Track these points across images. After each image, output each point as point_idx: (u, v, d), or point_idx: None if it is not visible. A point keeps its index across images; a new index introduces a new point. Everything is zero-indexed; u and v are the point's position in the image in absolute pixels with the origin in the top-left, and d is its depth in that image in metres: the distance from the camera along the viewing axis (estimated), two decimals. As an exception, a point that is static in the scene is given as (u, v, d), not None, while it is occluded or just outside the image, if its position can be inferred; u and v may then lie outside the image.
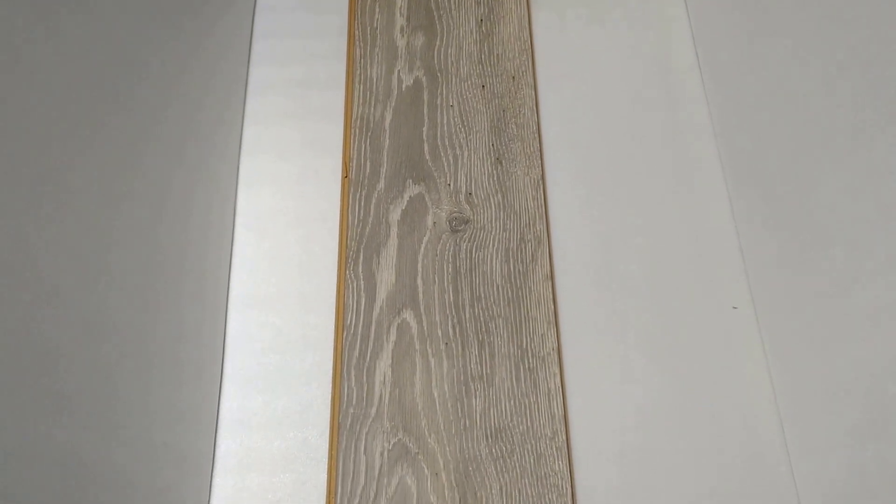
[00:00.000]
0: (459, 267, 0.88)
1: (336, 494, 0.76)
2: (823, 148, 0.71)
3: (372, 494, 0.76)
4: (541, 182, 0.93)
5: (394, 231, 0.90)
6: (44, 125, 0.54)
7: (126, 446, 0.65)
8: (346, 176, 0.93)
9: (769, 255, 0.83)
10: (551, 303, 0.86)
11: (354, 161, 0.93)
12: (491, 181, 0.92)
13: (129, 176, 0.67)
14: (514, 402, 0.80)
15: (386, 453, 0.78)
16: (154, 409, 0.70)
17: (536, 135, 0.95)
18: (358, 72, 0.99)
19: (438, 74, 0.99)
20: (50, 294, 0.54)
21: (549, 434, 0.79)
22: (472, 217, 0.91)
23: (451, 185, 0.92)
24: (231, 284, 0.89)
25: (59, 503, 0.54)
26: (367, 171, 0.93)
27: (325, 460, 0.80)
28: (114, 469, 0.62)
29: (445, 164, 0.93)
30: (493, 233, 0.90)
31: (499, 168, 0.93)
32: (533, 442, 0.79)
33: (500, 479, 0.77)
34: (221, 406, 0.82)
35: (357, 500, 0.76)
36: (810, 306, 0.75)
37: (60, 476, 0.55)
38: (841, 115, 0.68)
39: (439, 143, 0.94)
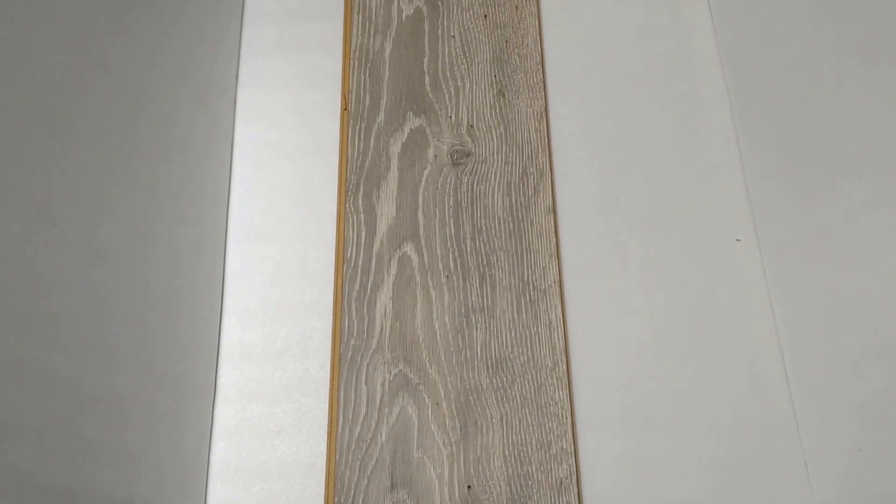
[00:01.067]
0: (461, 200, 0.87)
1: (337, 424, 0.76)
2: (830, 76, 0.69)
3: (373, 424, 0.76)
4: (544, 114, 0.91)
5: (394, 164, 0.89)
6: (45, 55, 0.53)
7: (125, 374, 0.65)
8: (345, 108, 0.92)
9: (774, 187, 0.81)
10: (553, 235, 0.85)
11: (353, 93, 0.92)
12: (493, 113, 0.91)
13: (127, 107, 0.66)
14: (515, 334, 0.80)
15: (387, 384, 0.78)
16: (153, 338, 0.70)
17: (540, 66, 0.93)
18: (356, 1, 0.97)
19: (439, 4, 0.96)
20: (47, 220, 0.53)
21: (549, 364, 0.79)
22: (473, 150, 0.89)
23: (453, 117, 0.91)
24: (230, 218, 0.88)
25: (57, 430, 0.54)
26: (367, 103, 0.91)
27: (327, 391, 0.80)
28: (113, 396, 0.62)
29: (446, 96, 0.92)
30: (494, 166, 0.89)
31: (501, 100, 0.92)
32: (533, 372, 0.79)
33: (500, 409, 0.77)
34: (222, 338, 0.82)
35: (358, 430, 0.76)
36: (814, 237, 0.74)
37: (58, 403, 0.55)
38: (848, 42, 0.66)
39: (440, 75, 0.93)
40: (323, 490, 0.75)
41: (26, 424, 0.52)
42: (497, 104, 0.91)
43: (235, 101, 0.93)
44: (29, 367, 0.52)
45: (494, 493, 0.73)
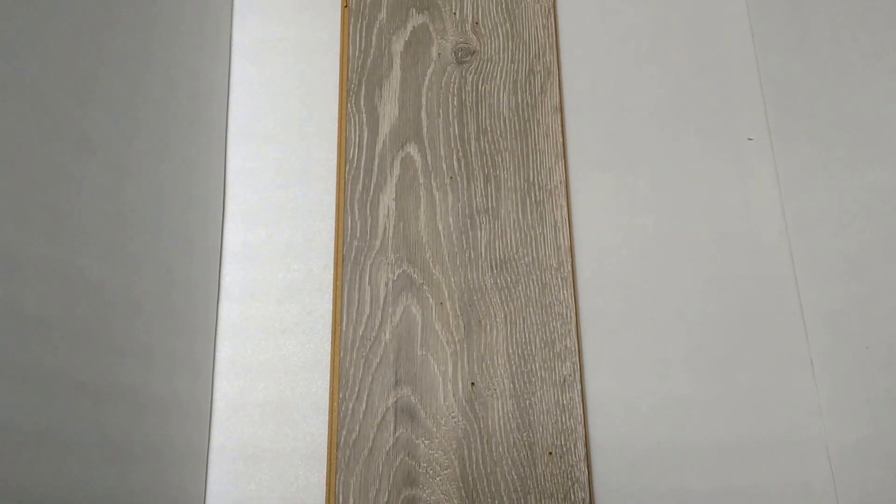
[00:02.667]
0: (465, 100, 0.85)
1: (342, 323, 0.77)
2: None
3: (377, 323, 0.77)
4: (552, 10, 0.88)
5: (396, 63, 0.86)
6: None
7: (135, 270, 0.65)
8: (345, 6, 0.89)
9: (789, 84, 0.79)
10: (560, 135, 0.83)
11: (355, -12, 0.88)
12: (499, 9, 0.88)
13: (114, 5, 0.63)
14: (520, 234, 0.79)
15: (391, 283, 0.78)
16: (163, 239, 0.69)
17: (548, -41, 0.89)
18: None
19: None
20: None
21: (554, 265, 0.78)
22: (478, 48, 0.86)
23: (457, 13, 0.88)
24: (229, 118, 0.86)
25: (71, 323, 0.54)
26: (369, -1, 0.88)
27: (330, 291, 0.80)
28: (124, 291, 0.63)
29: (451, -9, 0.88)
30: (500, 64, 0.86)
31: (507, -5, 0.88)
32: (538, 272, 0.78)
33: (504, 308, 0.77)
34: (225, 238, 0.82)
35: (362, 329, 0.76)
36: (827, 136, 0.72)
37: (71, 295, 0.55)
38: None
39: (444, -31, 0.89)
40: (328, 386, 0.76)
41: (52, 323, 0.52)
42: (503, 0, 0.88)
43: (233, -2, 0.90)
44: (53, 267, 0.51)
45: (498, 390, 0.74)
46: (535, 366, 0.75)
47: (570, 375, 0.74)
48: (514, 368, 0.75)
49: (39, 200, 0.52)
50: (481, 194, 0.81)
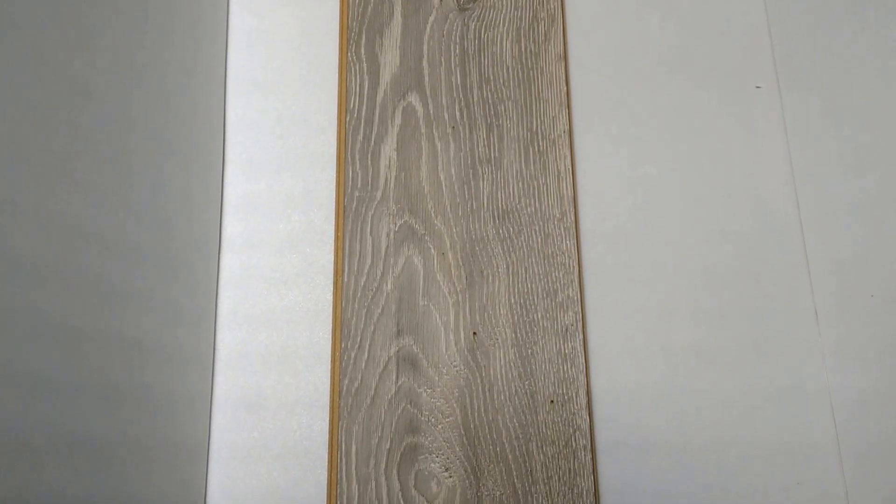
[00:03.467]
0: (467, 48, 0.83)
1: (343, 273, 0.76)
2: None
3: (379, 273, 0.76)
4: (556, -45, 0.86)
5: (397, 10, 0.85)
6: None
7: (138, 221, 0.64)
8: (346, -49, 0.87)
9: (798, 31, 0.77)
10: (564, 84, 0.82)
11: (354, -67, 0.86)
12: (502, -46, 0.86)
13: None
14: (523, 185, 0.79)
15: (392, 234, 0.78)
16: (162, 186, 0.69)
17: None
18: None
19: None
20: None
21: (557, 215, 0.78)
22: (481, -6, 0.85)
23: (459, -41, 0.86)
24: (228, 67, 0.85)
25: (69, 270, 0.54)
26: (369, -56, 0.86)
27: (332, 242, 0.79)
28: (125, 241, 0.62)
29: (453, -64, 0.86)
30: (503, 11, 0.84)
31: (511, -60, 0.86)
32: (541, 223, 0.77)
33: (506, 258, 0.76)
34: (225, 189, 0.81)
35: (364, 279, 0.76)
36: (837, 86, 0.70)
37: (74, 246, 0.54)
38: None
39: (446, -87, 0.87)
40: (330, 336, 0.76)
41: (50, 270, 0.52)
42: (507, -56, 0.86)
43: (230, -56, 0.89)
44: (51, 214, 0.51)
45: (500, 339, 0.74)
46: (538, 315, 0.75)
47: (572, 325, 0.74)
48: (515, 318, 0.75)
49: (38, 147, 0.51)
50: (483, 144, 0.80)
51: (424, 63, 0.83)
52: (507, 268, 0.76)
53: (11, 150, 0.49)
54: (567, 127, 0.80)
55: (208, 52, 0.82)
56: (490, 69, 0.83)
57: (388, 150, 0.80)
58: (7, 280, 0.48)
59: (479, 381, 0.73)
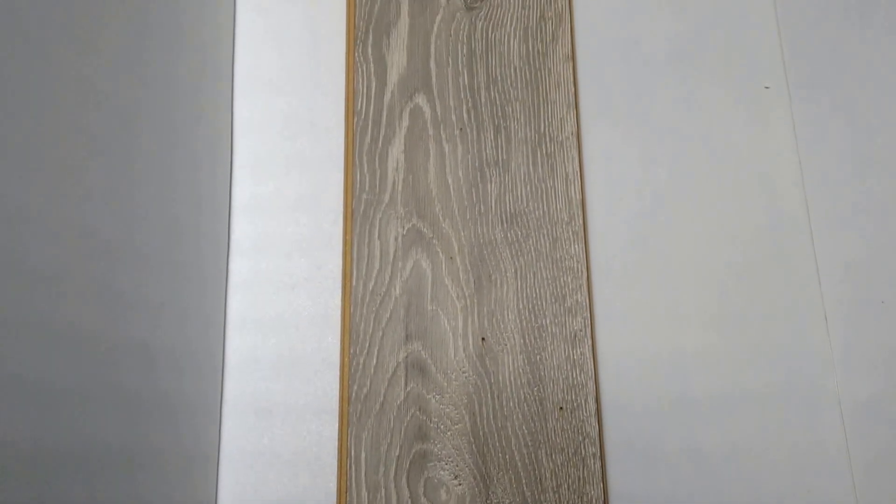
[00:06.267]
0: (475, 48, 0.83)
1: (352, 277, 0.76)
2: None
3: (387, 277, 0.76)
4: (564, -48, 0.85)
5: (404, 9, 0.84)
6: None
7: (145, 223, 0.64)
8: (351, -51, 0.86)
9: (807, 30, 0.76)
10: (571, 85, 0.81)
11: (360, -69, 0.85)
12: (509, -48, 0.85)
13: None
14: (531, 188, 0.78)
15: (400, 238, 0.77)
16: (170, 189, 0.69)
17: None
18: None
19: None
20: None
21: (565, 218, 0.77)
22: (488, -7, 0.84)
23: (466, -43, 0.85)
24: (235, 69, 0.85)
25: (79, 276, 0.54)
26: (375, -58, 0.85)
27: (340, 246, 0.79)
28: (135, 246, 0.62)
29: (460, -66, 0.85)
30: (510, 10, 0.83)
31: (518, -63, 0.85)
32: (549, 226, 0.77)
33: (514, 263, 0.76)
34: (234, 190, 0.81)
35: (373, 283, 0.76)
36: (846, 86, 0.70)
37: (83, 252, 0.54)
38: None
39: None
40: (338, 341, 0.76)
41: (60, 277, 0.52)
42: (514, -58, 0.85)
43: (235, -58, 0.88)
44: (60, 220, 0.51)
45: (508, 345, 0.74)
46: (546, 321, 0.75)
47: (580, 330, 0.74)
48: (524, 323, 0.75)
49: (45, 153, 0.51)
50: (491, 146, 0.80)
51: (432, 63, 0.82)
52: (516, 272, 0.76)
53: (19, 156, 0.48)
54: (575, 129, 0.80)
55: (215, 52, 0.81)
56: (497, 69, 0.82)
57: (396, 152, 0.80)
58: (16, 287, 0.48)
59: (487, 387, 0.73)
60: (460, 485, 0.71)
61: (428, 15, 0.84)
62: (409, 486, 0.71)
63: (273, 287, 0.79)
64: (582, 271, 0.76)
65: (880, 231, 0.66)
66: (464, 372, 0.73)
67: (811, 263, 0.76)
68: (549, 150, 0.79)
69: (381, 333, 0.75)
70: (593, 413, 0.72)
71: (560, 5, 0.83)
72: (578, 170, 0.79)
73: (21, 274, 0.48)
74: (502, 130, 0.80)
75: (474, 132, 0.80)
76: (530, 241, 0.77)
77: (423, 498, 0.71)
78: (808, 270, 0.76)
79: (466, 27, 0.83)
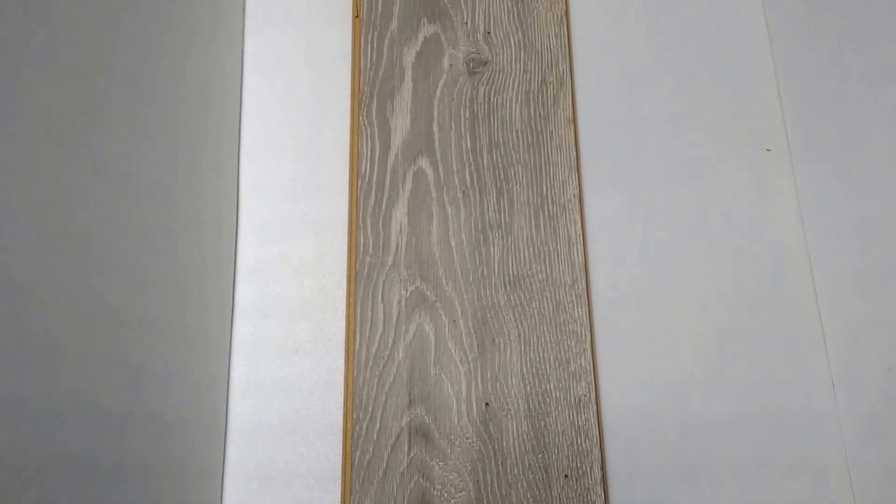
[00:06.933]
0: (477, 111, 0.84)
1: (355, 341, 0.76)
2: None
3: (390, 341, 0.76)
4: (564, 18, 0.86)
5: (408, 74, 0.85)
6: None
7: (150, 291, 0.65)
8: (356, 16, 0.87)
9: (808, 93, 0.77)
10: (573, 148, 0.82)
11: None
12: (511, 18, 0.86)
13: (138, 31, 0.63)
14: (534, 250, 0.79)
15: (403, 301, 0.78)
16: (176, 254, 0.69)
17: (561, -34, 0.88)
18: None
19: None
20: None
21: (568, 281, 0.77)
22: (490, 58, 0.85)
23: (469, 23, 0.86)
24: (242, 131, 0.86)
25: (87, 347, 0.54)
26: (380, 9, 0.87)
27: (343, 308, 0.79)
28: (140, 313, 0.63)
29: (462, 1, 0.87)
30: (512, 74, 0.85)
31: (519, 4, 0.87)
32: (552, 289, 0.77)
33: (518, 326, 0.76)
34: (238, 254, 0.82)
35: (376, 347, 0.76)
36: (848, 148, 0.70)
37: (87, 319, 0.55)
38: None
39: (455, -23, 0.87)
40: (341, 405, 0.76)
41: (69, 347, 0.52)
42: (515, 8, 0.87)
43: (244, 5, 0.89)
44: (68, 291, 0.51)
45: (512, 410, 0.74)
46: (550, 385, 0.74)
47: (585, 395, 0.74)
48: (528, 388, 0.74)
49: (52, 223, 0.52)
50: (494, 209, 0.80)
51: (435, 127, 0.83)
52: (519, 336, 0.76)
53: (25, 227, 0.49)
54: (577, 191, 0.81)
55: (221, 114, 0.83)
56: (500, 133, 0.83)
57: (400, 214, 0.81)
58: (25, 358, 0.48)
59: (491, 453, 0.72)
60: (464, 556, 0.70)
61: (431, 79, 0.85)
62: (412, 558, 0.70)
63: (276, 351, 0.79)
64: (585, 335, 0.76)
65: (886, 295, 0.66)
66: (467, 438, 0.73)
67: (817, 328, 0.76)
68: (551, 213, 0.80)
69: (384, 398, 0.75)
70: (599, 481, 0.71)
71: (561, 69, 0.85)
72: (581, 232, 0.79)
73: (28, 344, 0.48)
74: (505, 193, 0.81)
75: (477, 195, 0.81)
76: (533, 305, 0.77)
77: (426, 569, 0.70)
78: (814, 334, 0.76)
79: (469, 91, 0.84)
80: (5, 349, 0.46)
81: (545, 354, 0.75)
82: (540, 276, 0.78)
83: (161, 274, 0.67)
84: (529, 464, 0.72)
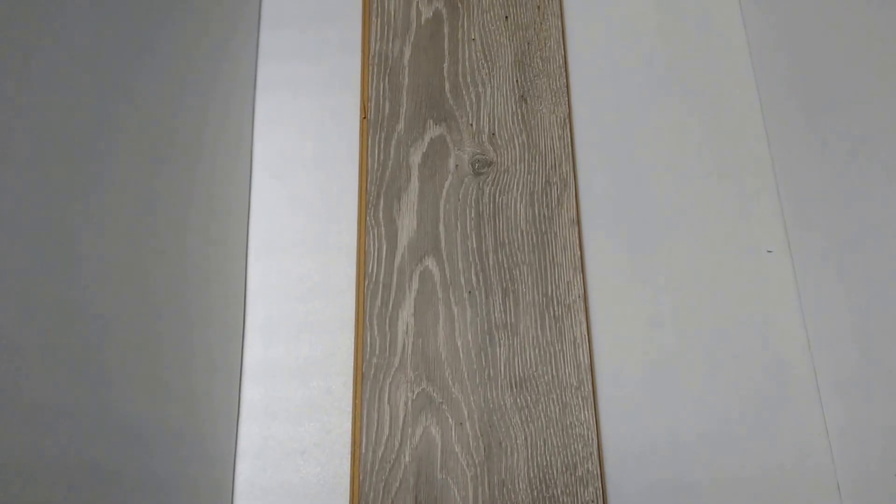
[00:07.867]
0: (482, 212, 0.85)
1: (361, 444, 0.76)
2: (872, 81, 0.66)
3: (397, 444, 0.76)
4: (567, 120, 0.89)
5: (415, 175, 0.87)
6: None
7: (164, 398, 0.65)
8: (364, 117, 0.90)
9: (808, 195, 0.79)
10: (577, 248, 0.83)
11: (373, 101, 0.90)
12: (515, 120, 0.89)
13: (150, 129, 0.65)
14: (539, 351, 0.79)
15: (410, 403, 0.78)
16: (186, 360, 0.70)
17: (563, 69, 0.91)
18: (375, 4, 0.94)
19: (459, 5, 0.93)
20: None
21: (574, 383, 0.78)
22: (495, 159, 0.87)
23: (474, 125, 0.89)
24: (250, 231, 0.87)
25: (112, 466, 0.54)
26: (387, 111, 0.90)
27: (350, 409, 0.80)
28: (153, 424, 0.63)
29: (467, 103, 0.89)
30: (517, 175, 0.87)
31: (523, 106, 0.89)
32: (558, 391, 0.78)
33: (524, 429, 0.76)
34: (245, 354, 0.82)
35: (382, 450, 0.76)
36: (848, 249, 0.71)
37: (108, 439, 0.55)
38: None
39: (461, 80, 0.90)
40: (347, 512, 0.76)
41: (97, 468, 0.52)
42: (519, 110, 0.89)
43: (254, 107, 0.92)
44: (86, 412, 0.52)
45: (519, 517, 0.73)
46: (557, 491, 0.74)
47: (592, 502, 0.73)
48: (535, 493, 0.74)
49: (61, 337, 0.53)
50: (500, 309, 0.81)
51: (441, 227, 0.85)
52: (526, 439, 0.76)
53: (45, 354, 0.50)
54: (582, 292, 0.82)
55: (230, 215, 0.84)
56: (505, 233, 0.84)
57: (406, 315, 0.81)
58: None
59: (499, 564, 0.72)
60: None
61: (437, 180, 0.87)
62: None
63: (282, 453, 0.79)
64: (592, 439, 0.76)
65: (891, 395, 0.67)
66: (474, 547, 0.72)
67: (822, 432, 0.76)
68: (556, 314, 0.81)
69: (389, 503, 0.74)
70: None
71: (564, 170, 0.87)
72: (586, 333, 0.80)
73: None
74: (510, 293, 0.82)
75: (483, 295, 0.82)
76: (540, 407, 0.77)
77: None
78: (819, 436, 0.76)
79: (474, 192, 0.86)
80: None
81: (552, 459, 0.75)
82: (546, 377, 0.78)
83: (173, 383, 0.67)
84: (537, 575, 0.71)
